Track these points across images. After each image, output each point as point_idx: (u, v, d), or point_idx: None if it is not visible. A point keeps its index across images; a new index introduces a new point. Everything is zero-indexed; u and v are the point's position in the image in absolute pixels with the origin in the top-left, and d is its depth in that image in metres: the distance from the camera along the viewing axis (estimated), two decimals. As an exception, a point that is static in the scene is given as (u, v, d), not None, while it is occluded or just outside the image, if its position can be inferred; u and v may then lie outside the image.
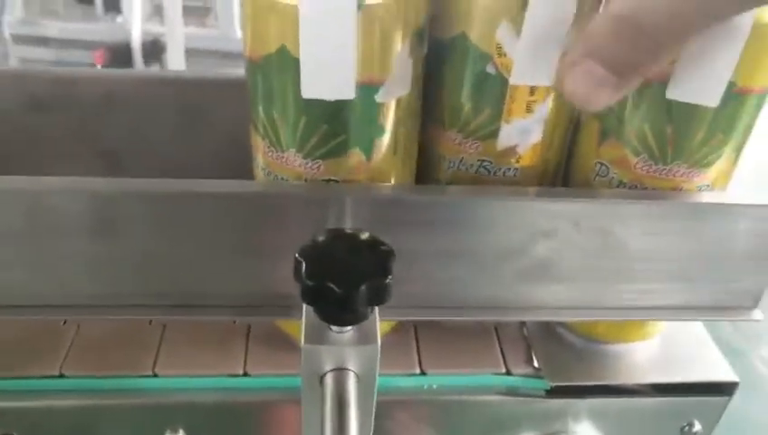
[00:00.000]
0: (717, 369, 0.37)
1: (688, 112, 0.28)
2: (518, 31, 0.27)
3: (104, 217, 0.28)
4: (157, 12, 1.37)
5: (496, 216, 0.29)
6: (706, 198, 0.30)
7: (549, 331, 0.38)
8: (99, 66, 1.29)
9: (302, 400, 0.27)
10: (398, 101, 0.28)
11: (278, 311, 0.31)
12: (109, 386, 0.34)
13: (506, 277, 0.31)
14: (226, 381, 0.34)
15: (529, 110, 0.30)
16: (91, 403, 0.34)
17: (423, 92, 0.30)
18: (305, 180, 0.29)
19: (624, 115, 0.30)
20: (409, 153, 0.32)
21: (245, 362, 0.35)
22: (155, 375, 0.34)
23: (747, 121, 0.29)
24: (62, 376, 0.34)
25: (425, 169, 0.33)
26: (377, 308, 0.26)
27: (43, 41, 1.35)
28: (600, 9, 0.29)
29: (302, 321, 0.26)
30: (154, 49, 1.34)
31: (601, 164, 0.31)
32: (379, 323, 0.26)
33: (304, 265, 0.24)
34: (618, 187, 0.31)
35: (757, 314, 0.33)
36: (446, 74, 0.30)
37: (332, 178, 0.29)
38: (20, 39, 1.36)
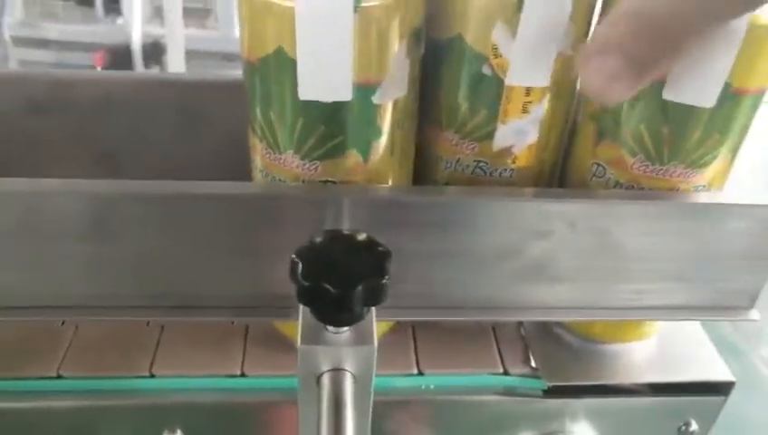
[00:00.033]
0: (714, 369, 0.37)
1: (685, 113, 0.28)
2: (513, 32, 0.27)
3: (103, 219, 0.28)
4: (157, 14, 1.37)
5: (493, 216, 0.29)
6: (703, 198, 0.30)
7: (546, 331, 0.39)
8: (99, 68, 1.29)
9: (298, 400, 0.27)
10: (395, 103, 0.28)
11: (276, 312, 0.31)
12: (106, 387, 0.34)
13: (503, 278, 0.31)
14: (224, 382, 0.35)
15: (525, 110, 0.30)
16: (88, 404, 0.34)
17: (420, 93, 0.30)
18: (303, 182, 0.30)
19: (620, 116, 0.30)
20: (406, 154, 0.32)
21: (243, 362, 0.35)
22: (152, 376, 0.34)
23: (743, 122, 0.29)
24: (59, 377, 0.34)
25: (422, 169, 0.33)
26: (373, 309, 0.26)
27: (43, 43, 1.35)
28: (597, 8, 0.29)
29: (299, 321, 0.26)
30: (154, 51, 1.34)
31: (598, 165, 0.32)
32: (377, 323, 0.26)
33: (300, 265, 0.24)
34: (614, 187, 0.31)
35: (754, 313, 0.33)
36: (442, 75, 0.30)
37: (330, 179, 0.29)
38: (20, 41, 1.36)
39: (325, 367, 0.26)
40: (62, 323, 0.37)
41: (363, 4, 0.25)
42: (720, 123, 0.29)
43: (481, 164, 0.31)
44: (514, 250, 0.30)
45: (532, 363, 0.36)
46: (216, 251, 0.29)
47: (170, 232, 0.28)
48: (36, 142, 0.41)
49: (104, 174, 0.41)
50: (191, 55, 1.32)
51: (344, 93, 0.27)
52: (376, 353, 0.26)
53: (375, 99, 0.27)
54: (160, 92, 0.41)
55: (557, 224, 0.29)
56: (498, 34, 0.28)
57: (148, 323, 0.37)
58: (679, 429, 0.37)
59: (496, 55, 0.28)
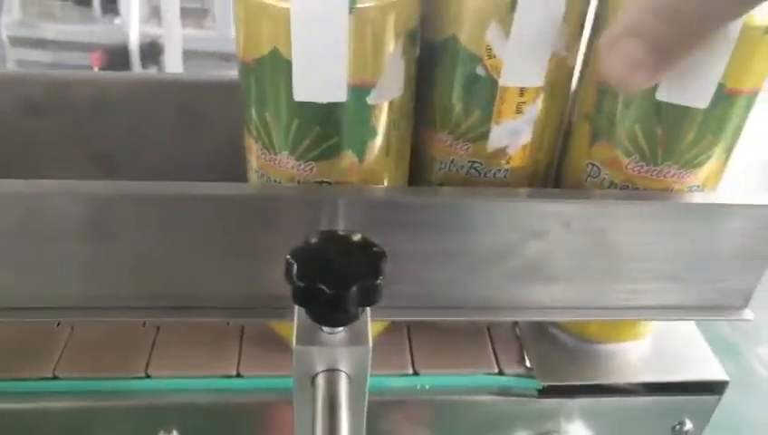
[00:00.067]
0: (708, 368, 0.37)
1: (678, 114, 0.28)
2: (507, 32, 0.27)
3: (99, 220, 0.28)
4: (154, 14, 1.37)
5: (489, 217, 0.29)
6: (697, 198, 0.30)
7: (541, 331, 0.39)
8: (96, 68, 1.29)
9: (293, 401, 0.27)
10: (391, 103, 0.29)
11: (271, 312, 0.31)
12: (102, 388, 0.34)
13: (498, 278, 0.31)
14: (220, 383, 0.35)
15: (519, 111, 0.30)
16: (84, 405, 0.34)
17: (416, 94, 0.31)
18: (298, 182, 0.30)
19: (615, 116, 0.30)
20: (402, 155, 0.32)
21: (239, 363, 0.35)
22: (148, 377, 0.34)
23: (737, 122, 0.29)
24: (55, 378, 0.34)
25: (417, 170, 0.33)
26: (368, 309, 0.26)
27: (40, 43, 1.35)
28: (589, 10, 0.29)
29: (294, 322, 0.26)
30: (152, 51, 1.34)
31: (593, 165, 0.32)
32: (372, 323, 0.26)
33: (295, 266, 0.24)
34: (609, 187, 0.31)
35: (747, 313, 0.33)
36: (437, 76, 0.30)
37: (325, 180, 0.29)
38: (17, 41, 1.36)
39: (320, 367, 0.26)
40: (58, 324, 0.37)
41: (358, 6, 0.25)
42: (714, 124, 0.29)
43: (475, 165, 0.31)
44: (509, 250, 0.30)
45: (527, 363, 0.36)
46: (212, 252, 0.29)
47: (167, 233, 0.29)
48: (33, 143, 0.41)
49: (101, 175, 0.42)
50: (189, 55, 1.32)
51: (339, 94, 0.27)
52: (371, 354, 0.26)
53: (370, 100, 0.28)
54: (158, 93, 0.41)
55: (552, 224, 0.30)
56: (492, 35, 0.28)
57: (144, 323, 0.37)
58: (674, 428, 0.38)
59: (490, 56, 0.28)
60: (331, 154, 0.29)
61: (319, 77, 0.26)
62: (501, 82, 0.29)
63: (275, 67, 0.27)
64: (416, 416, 0.36)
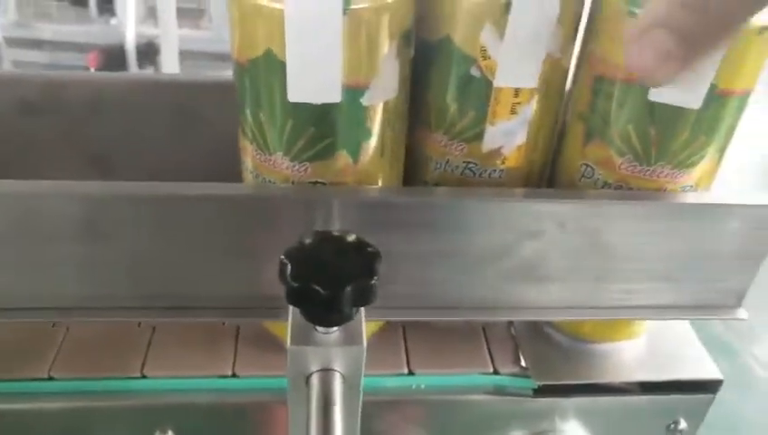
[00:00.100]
0: (702, 367, 0.37)
1: (671, 114, 0.29)
2: (501, 33, 0.28)
3: (95, 220, 0.28)
4: (151, 14, 1.37)
5: (483, 217, 0.29)
6: (690, 198, 0.31)
7: (536, 330, 0.39)
8: (92, 69, 1.29)
9: (288, 400, 0.27)
10: (385, 104, 0.29)
11: (266, 312, 0.31)
12: (98, 388, 0.34)
13: (493, 278, 0.31)
14: (215, 383, 0.35)
15: (513, 111, 0.30)
16: (80, 405, 0.34)
17: (410, 94, 0.31)
18: (293, 183, 0.30)
19: (609, 116, 0.30)
20: (396, 155, 0.32)
21: (234, 363, 0.35)
22: (144, 377, 0.34)
23: (729, 123, 0.30)
24: (50, 379, 0.34)
25: (412, 170, 0.33)
26: (362, 309, 0.26)
27: (36, 43, 1.35)
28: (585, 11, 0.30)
29: (288, 322, 0.26)
30: (148, 51, 1.34)
31: (587, 165, 0.32)
32: (367, 323, 0.26)
33: (290, 266, 0.24)
34: (603, 187, 0.32)
35: (741, 312, 0.33)
36: (432, 76, 0.30)
37: (320, 180, 0.30)
38: (13, 42, 1.36)
39: (314, 367, 0.26)
40: (53, 324, 0.37)
41: (352, 7, 0.25)
42: (706, 124, 0.29)
43: (470, 165, 0.32)
44: (504, 250, 0.30)
45: (522, 363, 0.37)
46: (207, 252, 0.29)
47: (162, 233, 0.29)
48: (29, 144, 0.41)
49: (97, 175, 0.42)
50: (185, 56, 1.32)
51: (333, 95, 0.27)
52: (365, 353, 0.26)
53: (364, 100, 0.28)
54: (154, 93, 0.41)
55: (546, 224, 0.30)
56: (487, 36, 0.28)
57: (139, 324, 0.37)
58: (668, 427, 0.38)
59: (485, 57, 0.28)
60: (326, 155, 0.29)
61: (313, 78, 0.27)
62: (495, 83, 0.29)
63: (270, 68, 0.27)
64: (411, 416, 0.36)
